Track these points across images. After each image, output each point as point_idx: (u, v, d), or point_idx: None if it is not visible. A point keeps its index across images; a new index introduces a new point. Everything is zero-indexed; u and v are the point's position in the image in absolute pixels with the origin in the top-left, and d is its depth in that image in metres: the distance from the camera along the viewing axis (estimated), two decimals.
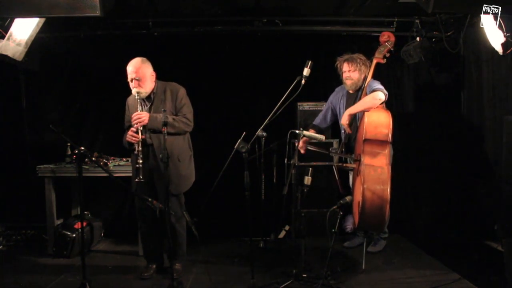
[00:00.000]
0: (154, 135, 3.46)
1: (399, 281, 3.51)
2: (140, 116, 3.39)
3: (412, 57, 4.59)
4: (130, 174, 4.13)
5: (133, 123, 3.41)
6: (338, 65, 4.05)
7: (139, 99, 3.43)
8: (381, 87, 3.76)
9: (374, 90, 3.73)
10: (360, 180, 3.48)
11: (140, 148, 3.34)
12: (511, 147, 3.55)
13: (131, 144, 3.46)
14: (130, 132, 3.42)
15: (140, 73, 3.43)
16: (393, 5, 4.31)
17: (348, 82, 3.98)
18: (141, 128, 3.40)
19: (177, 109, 3.54)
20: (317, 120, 4.29)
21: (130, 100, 3.64)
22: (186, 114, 3.54)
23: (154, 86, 3.54)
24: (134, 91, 3.44)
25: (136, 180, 3.31)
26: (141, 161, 3.33)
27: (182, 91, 3.57)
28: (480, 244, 4.38)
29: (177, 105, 3.54)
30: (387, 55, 3.96)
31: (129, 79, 3.46)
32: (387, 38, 3.97)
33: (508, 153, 3.58)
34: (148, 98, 3.53)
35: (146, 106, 3.53)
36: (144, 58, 3.52)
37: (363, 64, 3.95)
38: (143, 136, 3.41)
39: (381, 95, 3.66)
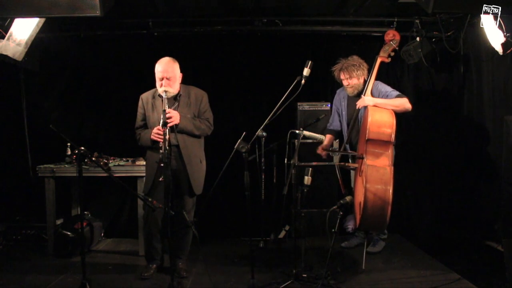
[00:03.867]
0: (180, 136, 3.47)
1: (399, 281, 3.51)
2: (172, 115, 3.37)
3: (412, 57, 4.59)
4: (130, 174, 4.16)
5: (163, 120, 3.35)
6: (336, 75, 4.06)
7: (166, 98, 3.40)
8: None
9: (399, 96, 3.76)
10: (362, 180, 3.48)
11: (167, 147, 3.29)
12: (511, 147, 3.55)
13: (154, 142, 3.44)
14: (156, 130, 3.40)
15: (171, 73, 3.47)
16: (393, 5, 4.31)
17: (349, 90, 4.01)
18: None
19: (200, 112, 3.62)
20: (331, 125, 4.31)
21: (144, 98, 3.63)
22: (208, 118, 3.66)
23: (180, 88, 3.57)
24: (162, 89, 3.43)
25: (160, 179, 3.24)
26: (167, 160, 3.29)
27: (206, 97, 3.68)
28: (480, 244, 4.38)
29: (200, 109, 3.63)
30: (392, 54, 3.95)
31: (158, 77, 3.47)
32: (392, 37, 3.95)
33: (508, 153, 3.57)
34: (173, 99, 3.54)
35: (172, 106, 3.51)
36: (174, 59, 3.55)
37: (358, 68, 3.93)
38: (168, 136, 3.34)
39: (409, 106, 3.72)
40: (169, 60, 3.52)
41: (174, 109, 3.49)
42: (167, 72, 3.45)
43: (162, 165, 3.22)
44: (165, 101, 3.38)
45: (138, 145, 3.69)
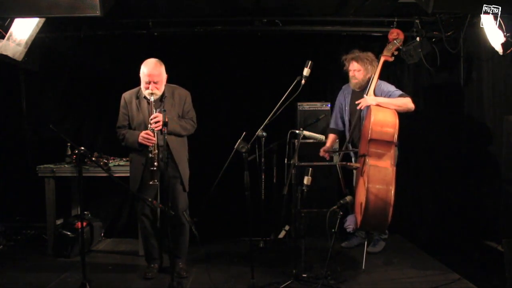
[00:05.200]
0: (169, 137, 3.43)
1: (399, 281, 3.51)
2: (160, 119, 3.34)
3: (412, 57, 4.59)
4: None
5: (152, 126, 3.37)
6: (346, 63, 4.06)
7: (153, 102, 3.41)
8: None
9: (402, 96, 3.76)
10: (364, 180, 3.47)
11: (156, 151, 3.30)
12: (511, 147, 3.55)
13: (141, 145, 3.44)
14: (145, 135, 3.39)
15: (158, 76, 3.46)
16: (393, 5, 4.31)
17: (353, 81, 4.02)
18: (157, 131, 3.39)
19: (184, 112, 3.63)
20: (332, 123, 4.32)
21: (127, 98, 3.61)
22: (192, 117, 3.67)
23: (164, 88, 3.58)
24: (147, 92, 3.43)
25: (151, 182, 3.28)
26: (156, 164, 3.30)
27: (189, 96, 3.69)
28: (480, 244, 4.37)
29: (184, 109, 3.63)
30: (396, 53, 3.94)
31: (145, 80, 3.45)
32: (396, 36, 3.94)
33: (508, 153, 3.57)
34: (158, 100, 3.54)
35: (158, 108, 3.50)
36: (160, 60, 3.54)
37: (370, 64, 3.95)
38: (156, 139, 3.38)
39: (411, 105, 3.71)
40: (156, 63, 3.49)
41: (160, 111, 3.45)
42: (154, 77, 3.43)
43: (152, 169, 3.27)
44: (152, 104, 3.40)
45: (122, 145, 3.65)
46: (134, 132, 3.50)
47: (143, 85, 3.49)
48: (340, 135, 4.32)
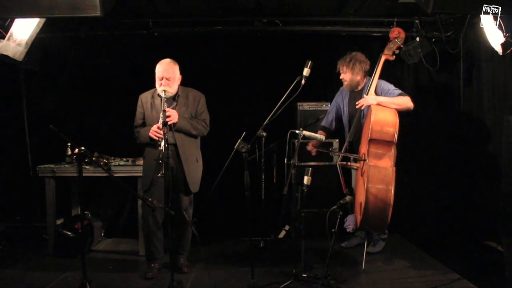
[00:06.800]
0: (178, 135, 3.54)
1: (399, 281, 3.51)
2: (171, 114, 3.43)
3: (412, 57, 4.59)
4: (130, 174, 4.17)
5: (162, 120, 3.39)
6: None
7: (165, 97, 3.44)
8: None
9: (401, 95, 3.75)
10: (364, 180, 3.46)
11: (166, 145, 3.29)
12: (511, 147, 3.55)
13: (152, 140, 3.50)
14: (155, 128, 3.46)
15: (171, 73, 3.55)
16: (393, 5, 4.31)
17: (344, 84, 4.05)
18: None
19: (197, 113, 3.69)
20: (324, 122, 4.32)
21: (143, 97, 3.70)
22: (205, 119, 3.74)
23: (178, 89, 3.63)
24: (161, 89, 3.49)
25: (159, 175, 3.27)
26: (166, 160, 3.29)
27: (203, 98, 3.76)
28: (480, 244, 4.38)
29: (198, 110, 3.70)
30: (397, 51, 3.94)
31: (158, 77, 3.55)
32: (397, 35, 3.93)
33: (508, 153, 3.57)
34: (172, 99, 3.61)
35: (170, 106, 3.57)
36: (174, 60, 3.63)
37: (355, 63, 3.92)
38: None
39: (411, 104, 3.71)
40: (169, 62, 3.60)
41: (173, 109, 3.55)
42: (167, 72, 3.53)
43: (160, 162, 3.25)
44: (164, 101, 3.41)
45: (137, 143, 3.72)
46: (147, 128, 3.58)
47: (157, 83, 3.58)
48: (329, 133, 4.29)
